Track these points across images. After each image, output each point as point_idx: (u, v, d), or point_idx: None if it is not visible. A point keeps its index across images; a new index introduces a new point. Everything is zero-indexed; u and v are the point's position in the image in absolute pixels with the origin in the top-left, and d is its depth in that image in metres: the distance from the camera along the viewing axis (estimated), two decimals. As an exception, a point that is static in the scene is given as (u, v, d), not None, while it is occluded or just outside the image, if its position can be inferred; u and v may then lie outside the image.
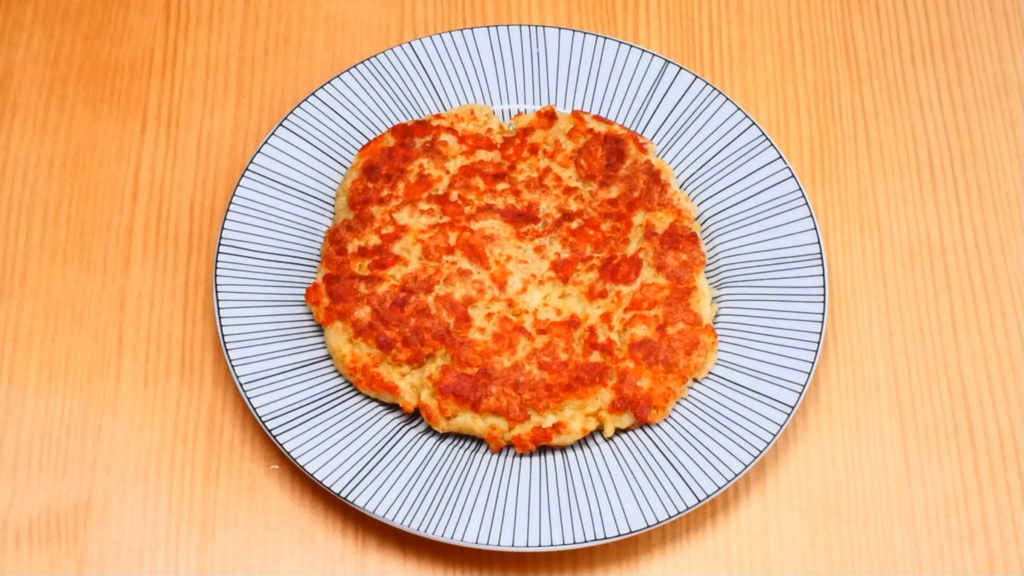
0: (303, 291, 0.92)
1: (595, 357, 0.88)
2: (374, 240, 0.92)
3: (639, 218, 0.93)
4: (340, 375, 0.89)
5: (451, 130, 0.95)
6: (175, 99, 1.01)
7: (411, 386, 0.88)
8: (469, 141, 0.95)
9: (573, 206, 0.93)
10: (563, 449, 0.87)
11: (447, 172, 0.94)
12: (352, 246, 0.91)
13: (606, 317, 0.89)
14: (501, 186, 0.94)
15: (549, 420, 0.86)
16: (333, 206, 0.95)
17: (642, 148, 0.95)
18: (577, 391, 0.86)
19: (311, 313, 0.91)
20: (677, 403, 0.88)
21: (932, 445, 0.90)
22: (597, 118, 0.96)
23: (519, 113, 0.98)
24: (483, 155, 0.95)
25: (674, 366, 0.87)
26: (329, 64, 1.03)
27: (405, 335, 0.88)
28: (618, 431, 0.88)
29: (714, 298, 0.92)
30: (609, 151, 0.94)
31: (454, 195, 0.93)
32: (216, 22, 1.05)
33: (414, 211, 0.93)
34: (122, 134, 1.00)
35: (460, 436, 0.88)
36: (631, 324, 0.88)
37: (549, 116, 0.96)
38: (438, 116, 0.96)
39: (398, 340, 0.88)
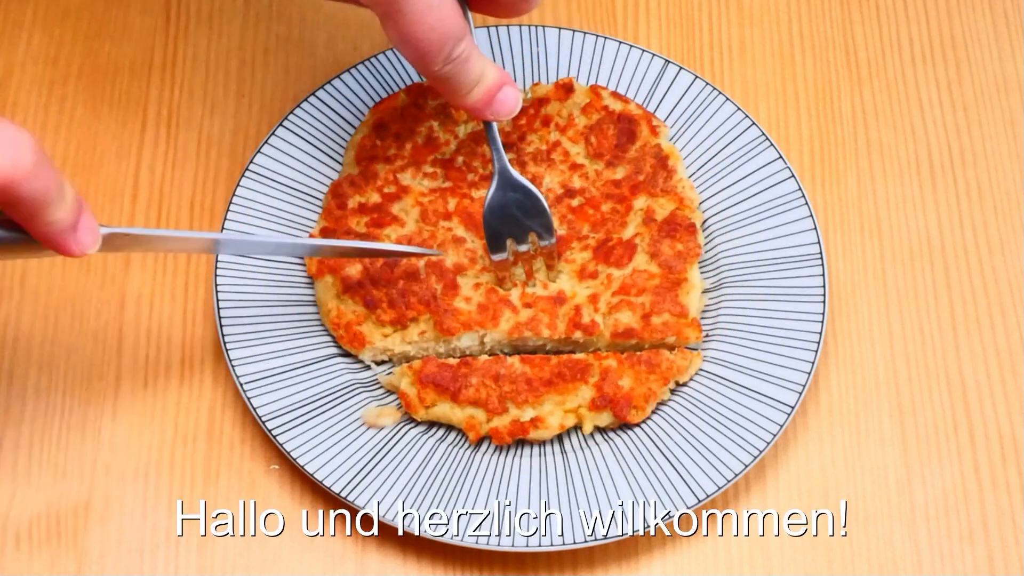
0: (303, 291, 0.91)
1: (577, 336, 0.88)
2: (375, 198, 0.92)
3: (640, 202, 0.92)
4: (340, 375, 0.89)
5: None
6: (175, 99, 1.01)
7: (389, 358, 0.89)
8: None
9: (576, 183, 0.93)
10: (563, 449, 0.87)
11: (456, 137, 0.94)
12: (353, 202, 0.92)
13: (593, 298, 0.89)
14: (508, 156, 0.94)
15: (528, 414, 0.86)
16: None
17: (654, 131, 0.95)
18: (557, 386, 0.86)
19: (311, 313, 0.91)
20: (678, 403, 0.88)
21: (932, 445, 0.90)
22: (615, 95, 0.96)
23: (537, 83, 0.98)
24: None
25: (656, 367, 0.87)
26: (329, 64, 1.03)
27: (392, 296, 0.88)
28: (600, 429, 0.88)
29: (712, 297, 0.92)
30: (621, 131, 0.94)
31: (459, 161, 0.93)
32: (216, 22, 1.05)
33: (418, 173, 0.93)
34: (122, 134, 1.00)
35: (460, 435, 0.88)
36: (617, 309, 0.88)
37: (566, 88, 0.96)
38: None
39: (384, 300, 0.88)
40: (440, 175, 0.93)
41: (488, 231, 0.88)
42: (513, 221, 0.89)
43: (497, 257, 0.89)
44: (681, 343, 0.89)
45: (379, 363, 0.91)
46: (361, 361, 0.90)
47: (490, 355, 0.90)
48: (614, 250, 0.91)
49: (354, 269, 0.89)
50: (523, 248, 0.89)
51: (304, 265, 0.92)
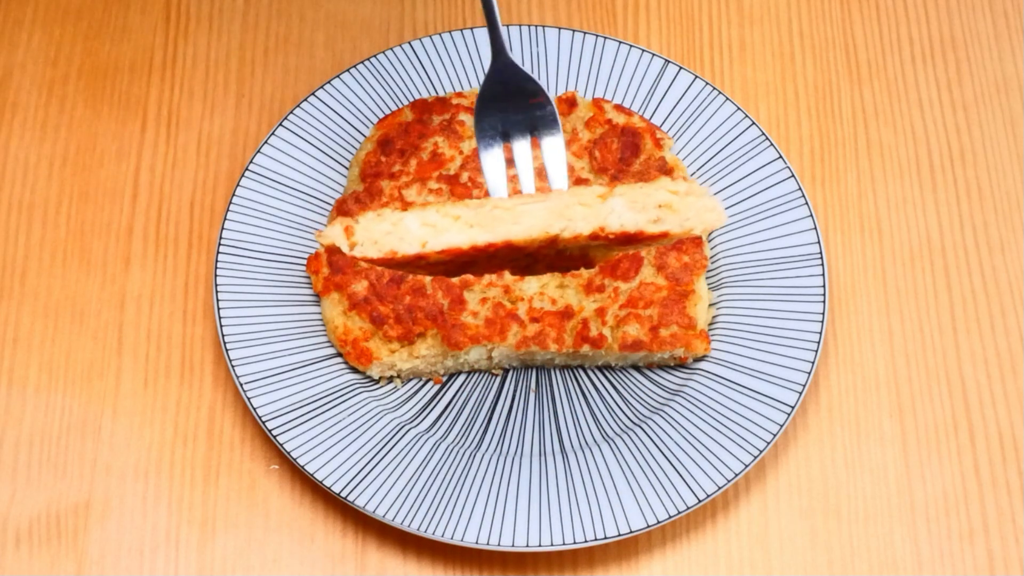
0: (303, 291, 0.92)
1: (585, 350, 0.88)
2: None
3: None
4: (340, 375, 0.89)
5: (470, 110, 0.95)
6: (175, 99, 1.01)
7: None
8: None
9: None
10: (563, 449, 0.87)
11: (460, 152, 0.94)
12: None
13: (601, 312, 0.89)
14: (512, 171, 0.93)
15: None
16: (332, 206, 0.95)
17: (658, 143, 0.95)
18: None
19: (311, 313, 0.91)
20: (678, 403, 0.88)
21: (932, 445, 0.90)
22: (618, 108, 0.96)
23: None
24: None
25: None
26: (329, 64, 1.03)
27: (398, 312, 0.88)
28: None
29: (712, 302, 0.92)
30: (624, 144, 0.94)
31: (464, 176, 0.93)
32: (216, 22, 1.05)
33: (423, 189, 0.93)
34: (122, 134, 1.00)
35: (460, 436, 0.88)
36: (624, 322, 0.88)
37: (569, 102, 0.96)
38: (459, 95, 0.96)
39: (391, 317, 0.88)
40: (445, 191, 0.93)
41: (477, 121, 0.82)
42: (507, 112, 0.82)
43: (487, 157, 0.81)
44: (689, 355, 0.89)
45: (388, 379, 0.91)
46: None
47: (498, 368, 0.91)
48: (620, 263, 0.91)
49: (360, 285, 0.89)
50: (519, 144, 0.83)
51: (304, 265, 0.92)
